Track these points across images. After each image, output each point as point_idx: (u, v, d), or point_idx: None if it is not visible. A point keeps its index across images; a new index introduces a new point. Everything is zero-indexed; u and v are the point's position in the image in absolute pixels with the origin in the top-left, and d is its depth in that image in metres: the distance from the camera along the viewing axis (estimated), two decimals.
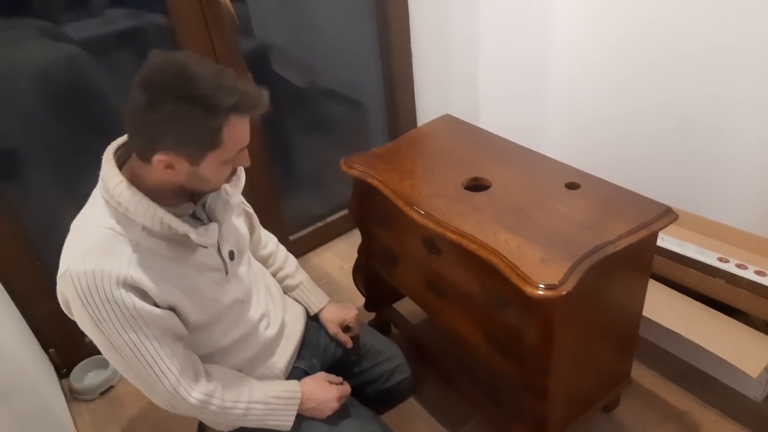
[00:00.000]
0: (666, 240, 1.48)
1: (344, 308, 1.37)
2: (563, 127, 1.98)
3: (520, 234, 1.07)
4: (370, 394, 1.36)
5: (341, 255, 2.08)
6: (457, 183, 1.25)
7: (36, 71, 1.45)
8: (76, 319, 0.94)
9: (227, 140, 0.87)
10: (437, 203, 1.18)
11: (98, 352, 1.76)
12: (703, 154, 1.61)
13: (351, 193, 1.47)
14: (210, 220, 1.02)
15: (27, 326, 1.57)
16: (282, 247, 1.41)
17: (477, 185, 1.25)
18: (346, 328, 1.37)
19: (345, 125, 2.22)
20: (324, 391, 1.16)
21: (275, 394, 1.11)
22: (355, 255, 1.62)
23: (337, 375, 1.22)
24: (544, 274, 0.96)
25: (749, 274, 1.34)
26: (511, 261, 1.00)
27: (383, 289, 1.63)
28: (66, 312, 0.96)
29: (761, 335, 1.32)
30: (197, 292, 1.01)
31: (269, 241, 1.38)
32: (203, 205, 1.02)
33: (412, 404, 1.51)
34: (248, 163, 0.98)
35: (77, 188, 1.62)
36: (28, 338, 1.56)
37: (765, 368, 1.27)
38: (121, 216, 0.92)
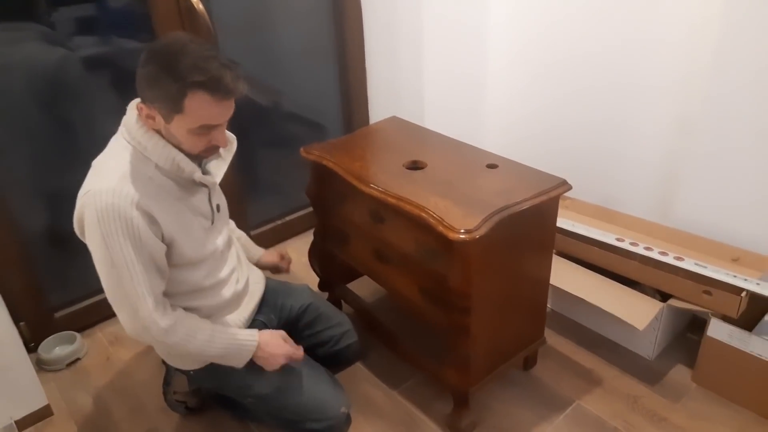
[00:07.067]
0: (576, 226, 1.76)
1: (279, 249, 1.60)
2: (496, 130, 2.30)
3: (447, 198, 1.31)
4: (321, 356, 1.54)
5: (299, 250, 2.26)
6: (398, 164, 1.49)
7: (31, 68, 1.62)
8: (86, 236, 1.11)
9: (188, 110, 1.05)
10: (381, 178, 1.42)
11: (66, 328, 1.87)
12: (609, 153, 1.94)
13: (309, 178, 1.68)
14: None
15: (1, 298, 1.67)
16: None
17: (415, 166, 1.49)
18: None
19: (305, 142, 2.46)
20: (276, 345, 1.33)
21: (238, 332, 1.29)
22: None
23: (291, 335, 1.39)
24: (463, 223, 1.20)
25: (640, 250, 1.62)
26: (438, 215, 1.23)
27: (336, 269, 1.83)
28: (78, 232, 1.13)
29: (649, 299, 1.59)
30: (190, 230, 1.20)
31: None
32: (200, 165, 1.22)
33: (358, 367, 1.69)
34: (224, 144, 1.15)
35: (54, 169, 1.79)
36: (1, 310, 1.66)
37: (651, 326, 1.54)
38: (139, 154, 1.11)
